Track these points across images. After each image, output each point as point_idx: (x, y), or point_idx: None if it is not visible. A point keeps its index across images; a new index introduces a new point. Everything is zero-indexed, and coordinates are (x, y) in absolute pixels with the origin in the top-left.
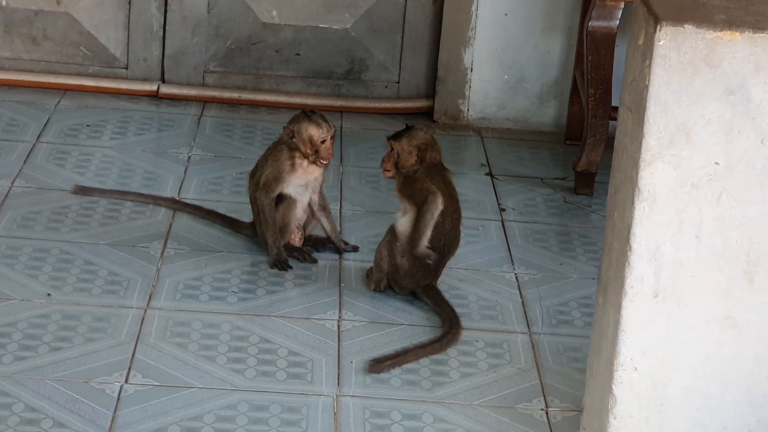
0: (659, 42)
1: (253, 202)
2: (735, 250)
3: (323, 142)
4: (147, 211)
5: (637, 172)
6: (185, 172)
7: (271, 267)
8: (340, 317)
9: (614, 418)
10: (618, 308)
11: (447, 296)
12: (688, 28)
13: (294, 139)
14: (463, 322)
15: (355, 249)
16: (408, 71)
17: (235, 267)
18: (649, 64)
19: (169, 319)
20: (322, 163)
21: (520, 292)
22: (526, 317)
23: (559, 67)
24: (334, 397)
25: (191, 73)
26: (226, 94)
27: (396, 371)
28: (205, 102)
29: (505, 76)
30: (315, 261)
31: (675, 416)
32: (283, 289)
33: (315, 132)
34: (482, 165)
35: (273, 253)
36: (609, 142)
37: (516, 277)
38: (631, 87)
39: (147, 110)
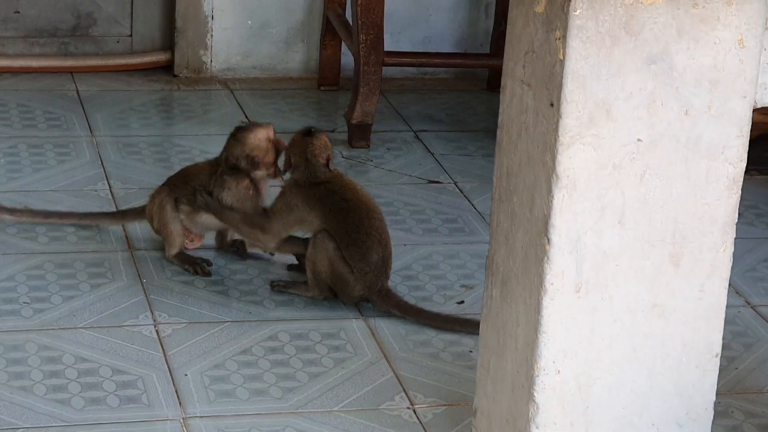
0: (575, 11)
1: None
2: (660, 232)
3: None
4: None
5: (553, 157)
6: None
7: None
8: (155, 321)
9: (537, 428)
10: (536, 308)
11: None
12: None
13: None
14: (289, 314)
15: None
16: (141, 23)
17: (18, 271)
18: (562, 37)
19: None
20: None
21: None
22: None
23: (305, 8)
24: (181, 420)
25: None
26: None
27: (238, 380)
28: None
29: (249, 22)
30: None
31: (601, 418)
32: (80, 292)
33: None
34: (243, 122)
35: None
36: (383, 90)
37: None
38: (527, 59)
39: None
